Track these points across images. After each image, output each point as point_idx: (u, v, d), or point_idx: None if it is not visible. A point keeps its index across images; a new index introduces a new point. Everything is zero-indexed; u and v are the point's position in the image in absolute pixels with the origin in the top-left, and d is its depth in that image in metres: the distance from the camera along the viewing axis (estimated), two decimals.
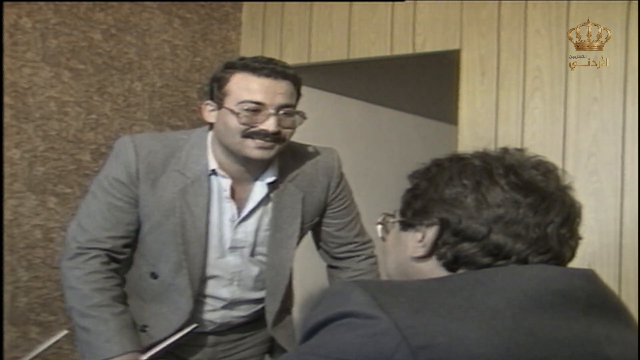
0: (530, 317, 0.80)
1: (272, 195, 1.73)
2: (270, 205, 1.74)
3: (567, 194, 0.93)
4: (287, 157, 1.74)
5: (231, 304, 1.78)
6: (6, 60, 2.34)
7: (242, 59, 1.65)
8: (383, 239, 1.05)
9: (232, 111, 1.59)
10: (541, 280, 0.84)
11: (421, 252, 0.93)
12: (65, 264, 1.68)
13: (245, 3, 3.19)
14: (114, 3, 2.68)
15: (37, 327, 2.45)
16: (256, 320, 1.84)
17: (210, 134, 1.70)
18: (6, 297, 2.34)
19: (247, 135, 1.59)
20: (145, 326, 1.73)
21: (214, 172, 1.68)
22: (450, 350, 0.76)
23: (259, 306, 1.82)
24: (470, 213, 0.89)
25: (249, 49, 3.10)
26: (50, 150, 2.49)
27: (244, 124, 1.59)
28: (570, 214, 0.92)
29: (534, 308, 0.81)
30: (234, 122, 1.59)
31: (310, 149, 1.82)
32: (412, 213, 0.95)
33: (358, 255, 1.89)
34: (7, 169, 2.35)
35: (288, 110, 1.62)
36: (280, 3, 3.09)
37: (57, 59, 2.50)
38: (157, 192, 1.66)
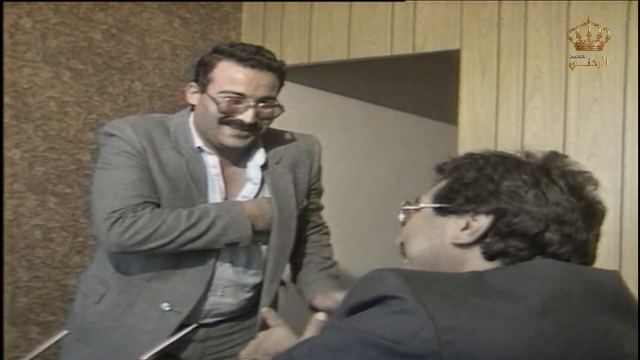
0: (558, 306, 0.82)
1: (264, 177, 1.76)
2: (265, 187, 1.76)
3: (603, 205, 0.96)
4: (269, 140, 1.79)
5: (223, 289, 1.76)
6: (6, 60, 2.34)
7: (232, 45, 1.70)
8: (403, 224, 1.05)
9: (213, 99, 1.64)
10: (571, 272, 0.87)
11: (469, 239, 0.93)
12: (117, 230, 1.58)
13: (245, 3, 3.19)
14: (114, 3, 2.68)
15: (37, 327, 2.45)
16: (244, 314, 1.83)
17: (192, 115, 1.74)
18: (6, 297, 2.34)
19: (223, 122, 1.65)
20: (170, 305, 1.69)
21: (199, 149, 1.71)
22: (475, 333, 0.77)
23: (248, 295, 1.81)
24: (528, 207, 0.90)
25: None
26: (50, 150, 2.49)
27: (222, 112, 1.64)
28: (601, 225, 0.96)
29: (562, 297, 0.83)
30: (213, 109, 1.64)
31: (291, 134, 1.88)
32: (463, 200, 0.94)
33: (314, 240, 1.92)
34: (7, 169, 2.35)
35: (268, 103, 1.67)
36: (280, 3, 3.09)
37: (57, 59, 2.50)
38: (162, 168, 1.66)
